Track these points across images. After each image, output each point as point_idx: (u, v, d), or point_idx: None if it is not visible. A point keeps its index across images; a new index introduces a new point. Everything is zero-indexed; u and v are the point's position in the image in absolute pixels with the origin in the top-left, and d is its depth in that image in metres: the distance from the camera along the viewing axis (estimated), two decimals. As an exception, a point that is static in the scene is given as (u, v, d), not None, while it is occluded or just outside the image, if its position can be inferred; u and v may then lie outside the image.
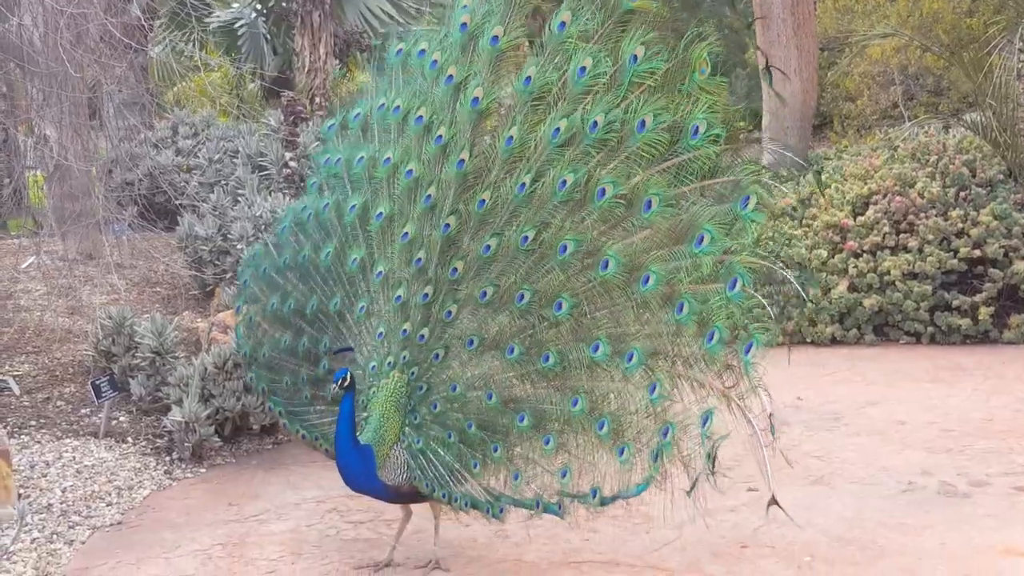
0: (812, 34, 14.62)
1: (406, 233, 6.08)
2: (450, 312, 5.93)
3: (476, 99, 5.90)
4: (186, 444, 8.02)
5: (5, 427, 7.60)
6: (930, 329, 10.78)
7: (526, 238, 5.66)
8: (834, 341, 11.01)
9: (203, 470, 8.04)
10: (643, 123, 5.49)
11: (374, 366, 6.12)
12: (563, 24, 5.71)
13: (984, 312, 10.55)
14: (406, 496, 6.07)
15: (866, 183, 11.65)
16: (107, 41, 9.32)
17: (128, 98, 13.61)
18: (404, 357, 6.02)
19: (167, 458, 8.07)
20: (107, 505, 7.31)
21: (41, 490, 7.38)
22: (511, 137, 5.78)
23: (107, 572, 6.34)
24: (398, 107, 6.31)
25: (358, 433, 5.87)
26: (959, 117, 12.93)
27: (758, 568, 5.98)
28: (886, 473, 7.29)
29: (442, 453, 5.92)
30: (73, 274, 12.01)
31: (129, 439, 8.29)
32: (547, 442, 5.65)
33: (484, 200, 5.85)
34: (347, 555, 6.45)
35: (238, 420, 8.30)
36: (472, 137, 5.96)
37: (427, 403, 5.97)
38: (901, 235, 11.06)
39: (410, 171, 6.10)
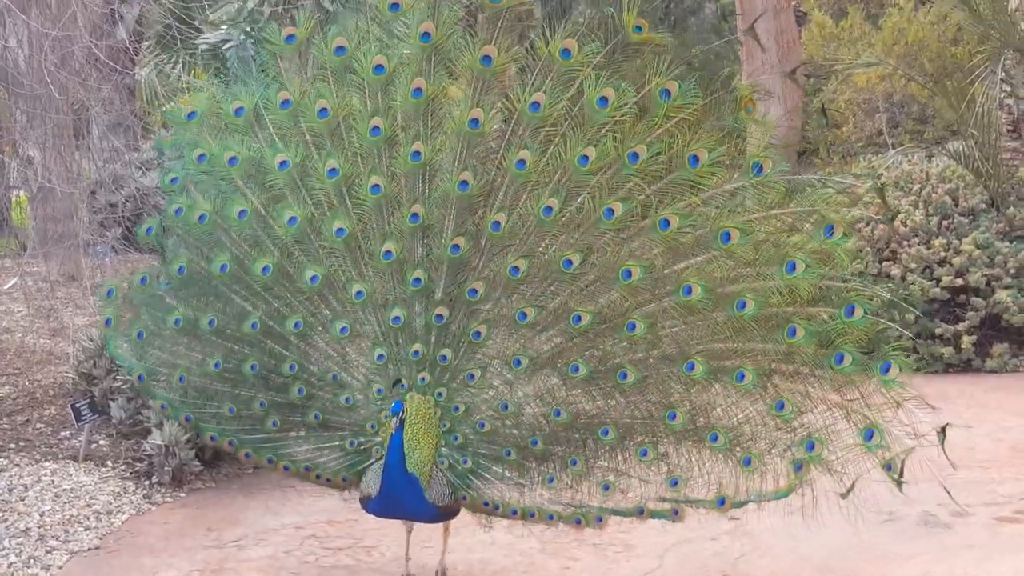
0: (798, 61, 14.66)
1: (388, 252, 5.92)
2: (478, 333, 5.90)
3: (475, 120, 5.75)
4: (166, 468, 7.97)
5: (-17, 450, 7.57)
6: (913, 357, 10.78)
7: (569, 262, 5.67)
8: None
9: (183, 494, 8.00)
10: (696, 158, 5.52)
11: (380, 389, 6.06)
12: (567, 52, 5.64)
13: (967, 341, 10.57)
14: (453, 514, 6.11)
15: (850, 211, 11.66)
16: (93, 63, 9.30)
17: (114, 120, 13.61)
18: (423, 379, 5.97)
19: (147, 482, 8.02)
20: (85, 529, 7.25)
21: (19, 514, 7.32)
22: (523, 161, 5.69)
23: (84, 598, 6.30)
24: (324, 110, 6.01)
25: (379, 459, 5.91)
26: (942, 146, 12.96)
27: (739, 598, 5.94)
28: (868, 503, 7.22)
29: (498, 469, 6.03)
30: (55, 295, 11.97)
31: (109, 463, 8.24)
32: (644, 454, 5.79)
33: (499, 222, 5.77)
34: (325, 583, 6.42)
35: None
36: (469, 158, 5.83)
37: (470, 423, 5.99)
38: (884, 263, 11.08)
39: (376, 187, 5.92)
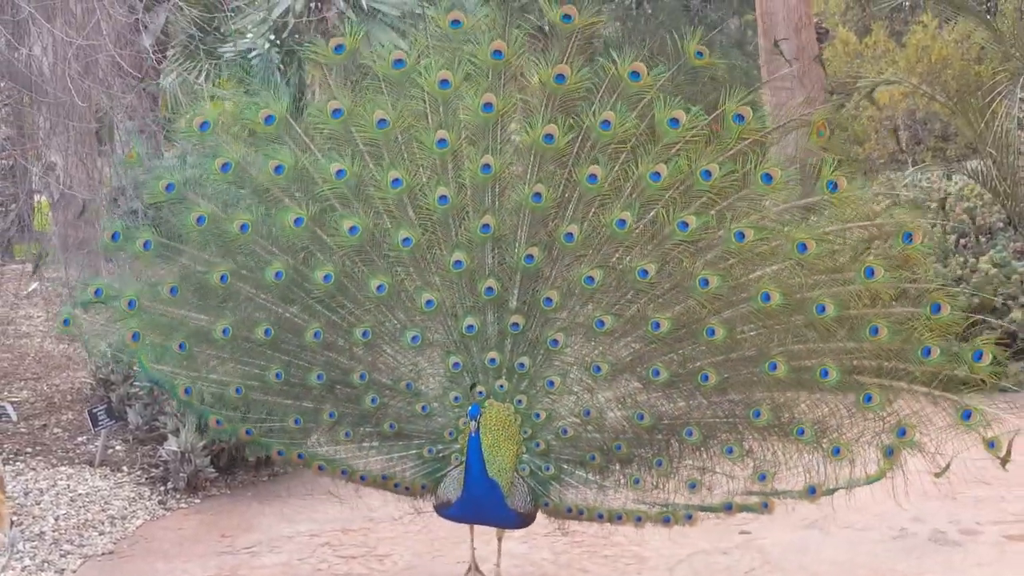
0: (818, 78, 14.69)
1: (459, 262, 5.97)
2: (556, 341, 6.01)
3: (550, 136, 5.83)
4: (181, 474, 8.02)
5: (1, 453, 7.61)
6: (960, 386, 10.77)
7: (645, 272, 5.80)
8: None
9: (197, 501, 8.05)
10: (769, 176, 5.70)
11: (457, 397, 6.13)
12: (636, 74, 5.79)
13: (1015, 368, 10.54)
14: (532, 519, 6.18)
15: (867, 228, 11.66)
16: (116, 72, 9.38)
17: (136, 127, 13.68)
18: (501, 387, 6.06)
19: (162, 488, 8.07)
20: (100, 534, 7.31)
21: (34, 517, 7.38)
22: (594, 176, 5.82)
23: (97, 601, 6.36)
24: (384, 120, 6.01)
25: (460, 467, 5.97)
26: (961, 164, 12.96)
27: (747, 613, 5.96)
28: (879, 519, 7.27)
29: (582, 474, 6.16)
30: (74, 301, 12.05)
31: (124, 468, 8.30)
32: (730, 451, 5.98)
33: (572, 234, 5.88)
34: (337, 590, 6.47)
35: (234, 451, 8.29)
36: (542, 173, 5.93)
37: (552, 430, 6.10)
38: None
39: (444, 197, 5.95)
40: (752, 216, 5.81)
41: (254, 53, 18.65)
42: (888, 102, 20.97)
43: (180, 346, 6.18)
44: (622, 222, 5.80)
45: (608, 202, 5.88)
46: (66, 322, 6.67)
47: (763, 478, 5.99)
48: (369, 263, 6.09)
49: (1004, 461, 5.85)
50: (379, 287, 6.01)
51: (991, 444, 5.79)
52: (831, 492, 5.99)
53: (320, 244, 6.08)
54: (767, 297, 5.66)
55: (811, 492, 5.98)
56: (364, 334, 6.09)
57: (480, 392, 5.97)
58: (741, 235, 5.70)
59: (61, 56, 8.23)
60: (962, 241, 11.24)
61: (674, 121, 5.74)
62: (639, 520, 6.16)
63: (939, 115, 18.13)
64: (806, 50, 14.29)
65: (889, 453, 5.92)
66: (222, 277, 6.08)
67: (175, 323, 6.21)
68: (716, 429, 6.00)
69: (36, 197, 14.13)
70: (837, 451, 5.87)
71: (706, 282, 5.72)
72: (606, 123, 5.79)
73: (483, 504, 5.89)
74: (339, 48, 6.20)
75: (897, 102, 20.59)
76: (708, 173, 5.70)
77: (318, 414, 6.28)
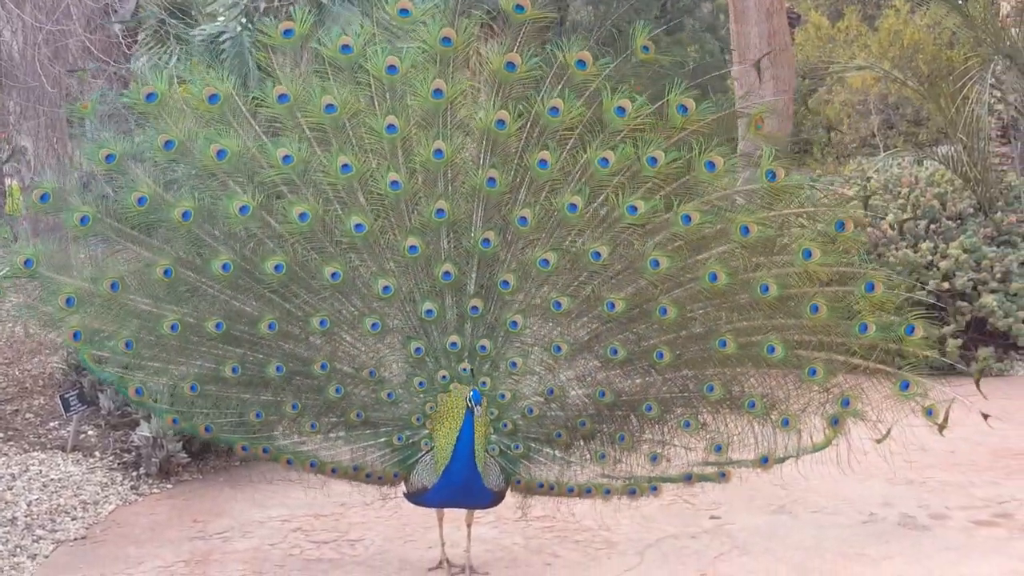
0: (790, 63, 14.73)
1: (414, 247, 6.03)
2: (515, 323, 6.17)
3: (502, 122, 5.97)
4: (153, 460, 8.03)
5: (-29, 439, 7.62)
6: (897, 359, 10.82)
7: (598, 254, 6.03)
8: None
9: (169, 486, 8.06)
10: (712, 163, 5.98)
11: (422, 383, 6.21)
12: (583, 63, 5.98)
13: (952, 344, 10.61)
14: (503, 498, 6.35)
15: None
16: (86, 56, 9.35)
17: (107, 111, 13.61)
18: (464, 369, 6.17)
19: (134, 473, 8.08)
20: (72, 519, 7.32)
21: (6, 503, 7.39)
22: (544, 161, 5.98)
23: (69, 587, 6.36)
24: (331, 106, 5.99)
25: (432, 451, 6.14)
26: (932, 150, 13.01)
27: (716, 596, 6.00)
28: (848, 503, 7.33)
29: (549, 451, 6.39)
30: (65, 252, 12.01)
31: (97, 453, 8.29)
32: (687, 425, 6.33)
33: (525, 217, 6.04)
34: (309, 575, 6.47)
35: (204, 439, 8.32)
36: (494, 158, 6.06)
37: (517, 409, 6.27)
38: (870, 266, 11.12)
39: (395, 183, 5.98)
40: (698, 200, 6.04)
41: (225, 36, 18.59)
42: (860, 86, 21.03)
43: (127, 344, 6.11)
44: (573, 206, 5.99)
45: (559, 187, 6.07)
46: (77, 336, 6.22)
47: (719, 449, 6.40)
48: (321, 250, 6.11)
49: (941, 428, 6.38)
50: (333, 274, 6.05)
51: (929, 412, 6.28)
52: (782, 461, 6.41)
53: (269, 232, 6.06)
54: (714, 277, 5.99)
55: (763, 461, 6.42)
56: (322, 323, 6.12)
57: (483, 383, 6.13)
58: (687, 218, 5.98)
59: (31, 41, 8.20)
60: (932, 227, 11.29)
61: (620, 110, 5.96)
62: (608, 493, 6.46)
63: (911, 100, 18.19)
64: (778, 35, 14.31)
65: (834, 422, 6.37)
66: (166, 271, 6.01)
67: (119, 319, 6.13)
68: (673, 404, 6.31)
69: (7, 181, 14.06)
70: (786, 422, 6.31)
71: (656, 263, 5.99)
72: (554, 110, 5.96)
73: (463, 486, 6.01)
74: (288, 32, 6.17)
75: (869, 86, 20.66)
76: (654, 160, 5.94)
77: (280, 406, 6.29)
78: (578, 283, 6.19)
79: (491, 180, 6.00)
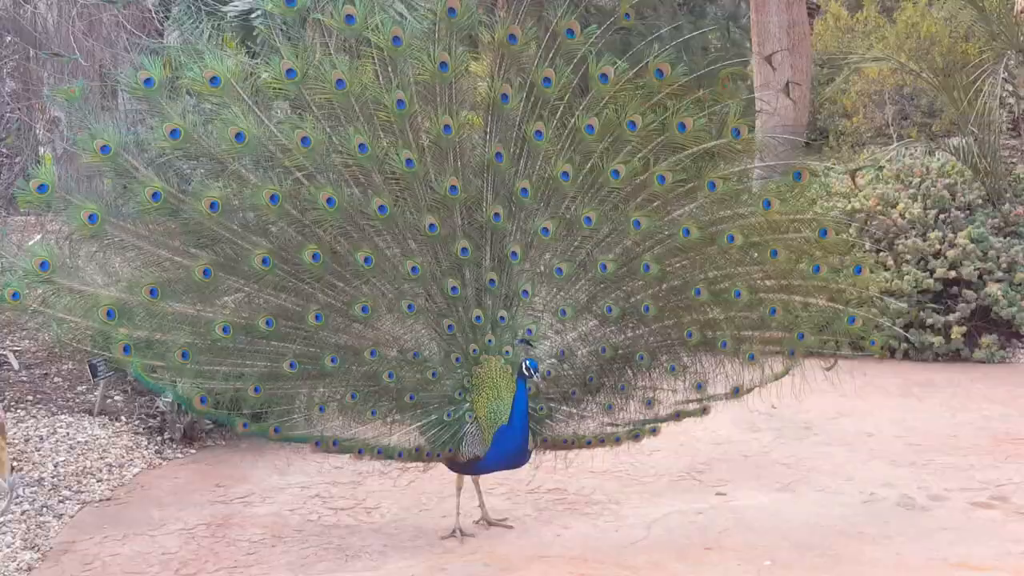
0: (807, 54, 14.68)
1: (432, 225, 6.10)
2: (526, 291, 6.39)
3: (505, 95, 6.14)
4: (178, 425, 8.09)
5: (2, 401, 7.66)
6: (904, 345, 10.85)
7: (589, 219, 6.25)
8: (810, 352, 11.07)
9: (193, 451, 8.12)
10: (683, 124, 6.22)
11: (459, 358, 6.34)
12: (571, 31, 6.17)
13: (956, 331, 10.64)
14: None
15: (849, 201, 11.72)
16: (120, 29, 9.39)
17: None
18: (490, 342, 6.34)
19: (159, 438, 8.14)
20: (97, 481, 7.38)
21: (34, 464, 7.45)
22: (539, 132, 6.15)
23: (93, 547, 6.41)
24: (341, 81, 5.90)
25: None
26: (944, 141, 12.99)
27: (720, 570, 6.03)
28: (850, 483, 7.36)
29: (567, 408, 6.60)
30: (77, 254, 12.06)
31: (123, 418, 8.33)
32: (672, 369, 6.64)
33: (526, 189, 6.21)
34: (326, 540, 6.53)
35: (230, 404, 8.33)
36: (500, 133, 6.21)
37: (538, 373, 6.27)
38: (880, 253, 11.14)
39: (409, 160, 6.00)
40: (668, 161, 6.26)
41: (256, 13, 18.62)
42: (877, 77, 20.95)
43: (183, 354, 5.90)
44: (565, 174, 6.19)
45: (552, 156, 6.22)
46: (15, 296, 6.00)
47: (700, 387, 6.72)
48: (348, 236, 6.08)
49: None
50: (366, 259, 6.06)
51: (851, 320, 6.82)
52: (749, 391, 6.80)
53: (298, 221, 6.00)
54: (687, 232, 6.26)
55: (736, 392, 6.77)
56: (363, 309, 6.14)
57: (530, 345, 6.27)
58: (662, 178, 6.25)
59: (66, 14, 8.24)
60: (942, 216, 11.29)
61: (604, 76, 6.15)
62: (618, 440, 6.72)
63: (925, 91, 18.11)
64: (797, 25, 14.27)
65: (791, 354, 6.75)
66: (204, 271, 5.86)
67: (166, 326, 5.93)
68: (659, 352, 6.60)
69: (40, 151, 14.12)
70: (752, 357, 6.66)
71: (638, 223, 6.26)
72: (547, 80, 6.13)
73: (517, 451, 6.28)
74: (291, 1, 6.03)
75: (885, 77, 20.56)
76: (633, 124, 6.15)
77: (343, 397, 6.28)
78: (574, 248, 6.39)
79: (498, 155, 6.14)
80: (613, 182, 6.24)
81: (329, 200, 5.89)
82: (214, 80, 5.87)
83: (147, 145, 6.00)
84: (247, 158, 5.94)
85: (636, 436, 6.76)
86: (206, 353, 5.97)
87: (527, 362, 6.05)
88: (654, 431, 6.77)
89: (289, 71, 5.94)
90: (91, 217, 5.87)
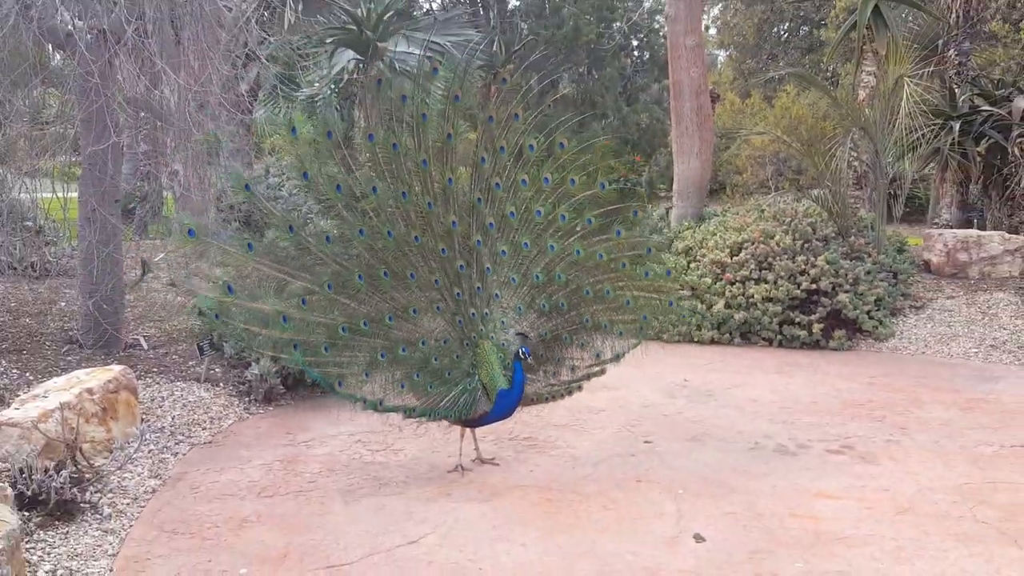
0: (710, 128, 14.69)
1: (444, 248, 6.19)
2: (497, 294, 6.43)
3: (483, 158, 6.30)
4: (260, 389, 8.06)
5: (135, 371, 7.62)
6: (779, 337, 10.86)
7: (527, 244, 6.36)
8: (712, 342, 11.08)
9: (271, 408, 8.08)
10: (574, 180, 6.44)
11: (467, 343, 6.35)
12: (517, 116, 6.38)
13: (816, 327, 10.63)
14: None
15: (740, 233, 11.73)
16: (221, 108, 9.37)
17: (235, 147, 13.64)
18: (482, 330, 6.36)
19: (246, 399, 8.10)
20: (203, 429, 7.34)
21: (157, 416, 7.41)
22: (498, 183, 6.31)
23: (199, 475, 6.39)
24: (396, 144, 6.03)
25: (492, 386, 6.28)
26: (807, 192, 13.02)
27: (647, 496, 6.02)
28: (741, 435, 7.35)
29: (531, 375, 6.50)
30: (189, 267, 12.04)
31: (221, 384, 8.30)
32: (581, 345, 6.75)
33: (492, 223, 6.31)
34: (365, 473, 6.50)
35: (297, 375, 8.32)
36: (479, 183, 6.30)
37: (510, 352, 6.30)
38: (763, 271, 11.14)
39: (430, 203, 6.15)
40: (565, 204, 6.40)
41: (319, 97, 18.63)
42: (760, 145, 21.06)
43: (324, 348, 5.94)
44: (512, 213, 6.33)
45: (504, 201, 6.36)
46: (216, 317, 5.95)
47: (597, 355, 6.81)
48: (399, 258, 6.11)
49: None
50: (411, 275, 6.13)
51: (670, 303, 7.03)
52: (621, 357, 6.85)
53: (371, 247, 6.03)
54: (579, 252, 6.41)
55: (617, 358, 6.85)
56: (414, 311, 6.20)
57: (525, 348, 6.21)
58: (564, 216, 6.37)
59: (183, 97, 8.22)
60: (806, 245, 11.29)
61: (531, 146, 6.36)
62: (561, 395, 6.86)
63: (795, 156, 18.21)
64: (703, 108, 14.30)
65: (640, 330, 6.85)
66: (328, 285, 5.92)
67: (310, 330, 5.91)
68: (573, 333, 6.68)
69: (164, 194, 14.10)
70: (621, 332, 6.78)
71: (552, 247, 6.37)
72: (503, 147, 6.32)
73: (511, 407, 6.33)
74: (380, 82, 6.68)
75: (766, 145, 20.69)
76: (547, 179, 6.36)
77: (415, 380, 6.24)
78: (520, 264, 6.41)
79: (479, 199, 6.28)
80: (536, 219, 6.34)
81: (388, 232, 6.04)
82: (328, 134, 6.02)
83: (278, 187, 6.30)
84: (342, 202, 6.06)
85: (570, 392, 6.84)
86: (334, 348, 5.97)
87: (523, 349, 6.14)
88: (580, 388, 6.86)
89: (370, 135, 6.13)
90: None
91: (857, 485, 6.20)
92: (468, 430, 6.62)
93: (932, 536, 5.37)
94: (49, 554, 5.04)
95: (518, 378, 6.20)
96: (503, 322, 6.44)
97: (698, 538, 5.36)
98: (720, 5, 33.97)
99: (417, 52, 16.95)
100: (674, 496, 6.01)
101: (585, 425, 7.59)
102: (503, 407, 6.29)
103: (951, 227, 15.53)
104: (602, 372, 6.90)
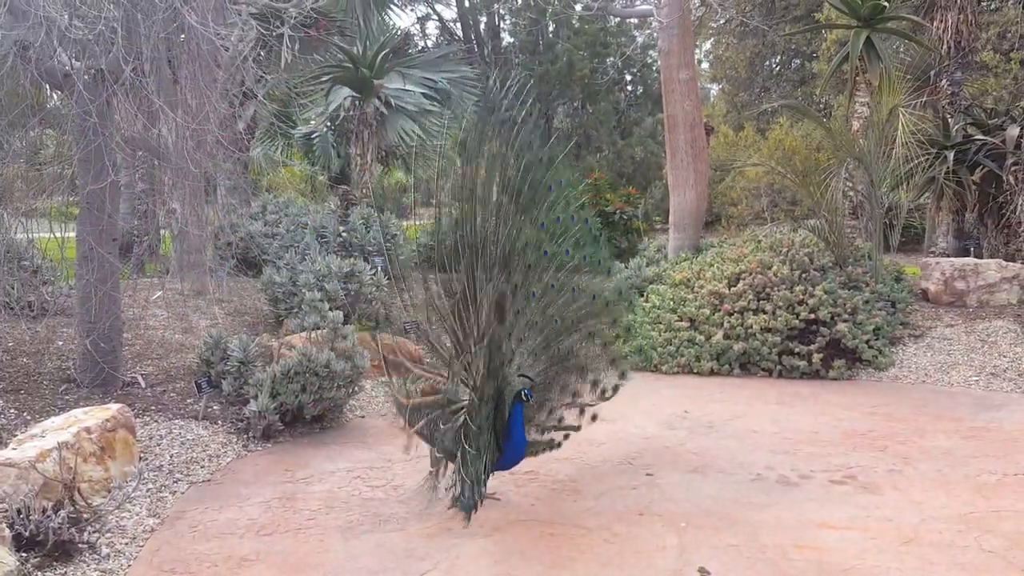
0: (705, 161, 14.76)
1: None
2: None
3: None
4: (258, 427, 8.02)
5: (133, 409, 7.58)
6: (779, 367, 10.84)
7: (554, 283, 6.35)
8: (712, 373, 11.06)
9: (269, 445, 8.02)
10: (573, 216, 6.42)
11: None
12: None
13: (816, 357, 10.62)
14: None
15: (738, 264, 11.74)
16: (219, 146, 9.39)
17: (232, 185, 13.66)
18: (527, 392, 6.18)
19: (245, 436, 8.05)
20: (201, 467, 7.29)
21: (155, 455, 7.35)
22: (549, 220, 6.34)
23: (198, 514, 6.33)
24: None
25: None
26: (803, 222, 13.05)
27: (649, 529, 5.97)
28: (743, 467, 7.31)
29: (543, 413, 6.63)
30: (187, 304, 12.03)
31: (219, 422, 8.26)
32: (563, 389, 6.61)
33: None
34: (365, 509, 6.44)
35: (295, 411, 8.30)
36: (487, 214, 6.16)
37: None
38: (761, 301, 11.14)
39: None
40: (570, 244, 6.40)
41: (315, 135, 18.71)
42: (754, 177, 21.11)
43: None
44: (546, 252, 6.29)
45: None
46: None
47: (574, 396, 6.72)
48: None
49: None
50: (532, 293, 6.28)
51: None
52: (617, 388, 6.90)
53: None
54: (574, 290, 6.39)
55: (614, 389, 6.89)
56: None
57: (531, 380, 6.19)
58: (568, 251, 6.35)
59: (180, 135, 8.24)
60: (803, 275, 11.31)
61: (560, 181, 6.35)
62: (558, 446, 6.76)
63: (789, 188, 18.26)
64: (697, 141, 14.36)
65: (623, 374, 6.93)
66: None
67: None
68: (559, 375, 6.57)
69: (162, 232, 14.12)
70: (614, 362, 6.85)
71: (553, 285, 6.30)
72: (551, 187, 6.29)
73: (520, 454, 6.19)
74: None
75: (761, 177, 20.75)
76: (559, 218, 6.33)
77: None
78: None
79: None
80: (544, 258, 6.28)
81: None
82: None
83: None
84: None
85: (558, 445, 6.75)
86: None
87: (525, 391, 5.97)
88: (567, 438, 6.77)
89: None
90: None
91: (861, 515, 6.15)
92: None
93: (937, 566, 5.32)
94: (46, 596, 4.98)
95: (518, 429, 6.00)
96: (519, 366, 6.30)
97: (703, 571, 5.30)
98: (712, 39, 34.27)
99: (413, 89, 17.05)
100: (677, 529, 5.96)
101: (586, 458, 7.54)
102: (514, 456, 6.15)
103: (948, 255, 15.56)
104: (577, 428, 6.76)
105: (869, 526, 5.96)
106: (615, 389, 6.91)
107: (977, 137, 15.68)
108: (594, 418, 6.82)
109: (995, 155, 15.26)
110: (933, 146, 14.59)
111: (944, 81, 17.60)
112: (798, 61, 32.48)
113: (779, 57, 32.95)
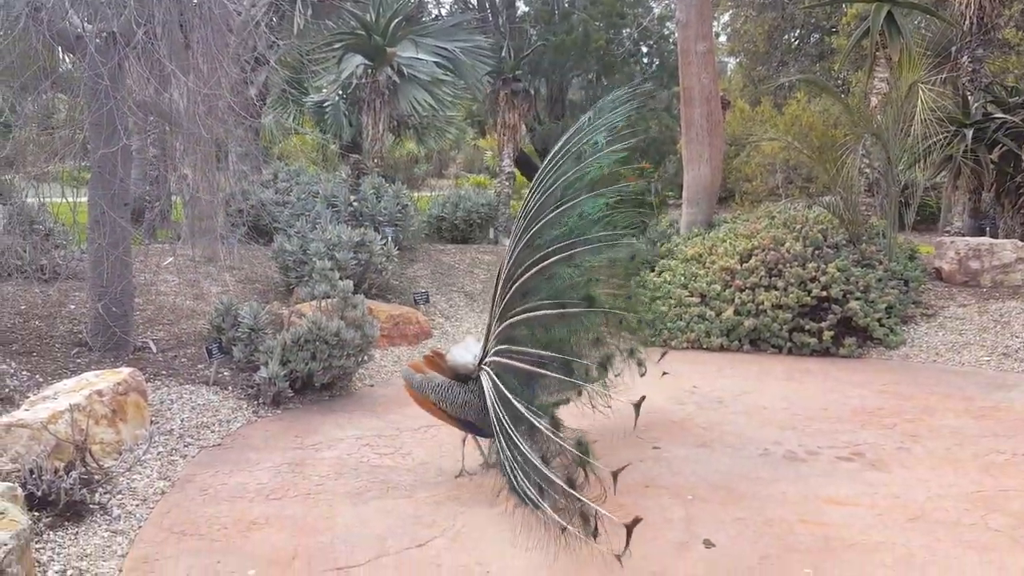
0: (721, 135, 14.73)
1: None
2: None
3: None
4: (268, 393, 8.10)
5: (144, 374, 7.66)
6: (789, 344, 10.87)
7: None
8: (722, 349, 11.10)
9: (279, 412, 8.11)
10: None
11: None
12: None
13: (826, 334, 10.64)
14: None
15: (750, 240, 11.75)
16: (231, 112, 9.42)
17: (244, 152, 13.71)
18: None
19: (255, 402, 8.13)
20: (211, 432, 7.38)
21: (166, 419, 7.44)
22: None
23: (209, 478, 6.42)
24: None
25: None
26: (818, 199, 13.04)
27: (656, 501, 6.03)
28: (750, 442, 7.36)
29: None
30: (198, 271, 12.11)
31: (230, 387, 8.34)
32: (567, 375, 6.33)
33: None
34: (373, 476, 6.52)
35: (305, 379, 8.38)
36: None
37: None
38: (773, 278, 11.16)
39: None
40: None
41: (327, 103, 18.72)
42: (770, 152, 21.06)
43: None
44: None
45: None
46: None
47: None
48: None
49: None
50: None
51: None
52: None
53: None
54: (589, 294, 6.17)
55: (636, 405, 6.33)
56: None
57: None
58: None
59: (192, 100, 8.27)
60: (817, 252, 11.32)
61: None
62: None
63: (805, 164, 18.23)
64: (713, 115, 14.33)
65: (631, 352, 7.01)
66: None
67: None
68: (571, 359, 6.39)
69: (173, 198, 14.20)
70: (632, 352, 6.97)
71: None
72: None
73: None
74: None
75: (776, 152, 20.70)
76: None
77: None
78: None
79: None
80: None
81: None
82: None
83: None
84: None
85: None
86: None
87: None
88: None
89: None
90: None
91: (868, 492, 6.20)
92: (471, 436, 6.62)
93: (943, 543, 5.37)
94: (59, 554, 5.08)
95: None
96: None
97: (707, 544, 5.37)
98: (731, 12, 34.06)
99: (426, 58, 17.03)
100: (683, 502, 6.02)
101: (597, 429, 7.59)
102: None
103: (963, 235, 15.54)
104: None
105: (876, 503, 6.01)
106: (640, 363, 7.02)
107: (997, 115, 15.62)
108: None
109: (1015, 134, 15.21)
110: (952, 124, 14.54)
111: (965, 58, 17.51)
112: (817, 35, 32.27)
113: (798, 31, 32.74)
